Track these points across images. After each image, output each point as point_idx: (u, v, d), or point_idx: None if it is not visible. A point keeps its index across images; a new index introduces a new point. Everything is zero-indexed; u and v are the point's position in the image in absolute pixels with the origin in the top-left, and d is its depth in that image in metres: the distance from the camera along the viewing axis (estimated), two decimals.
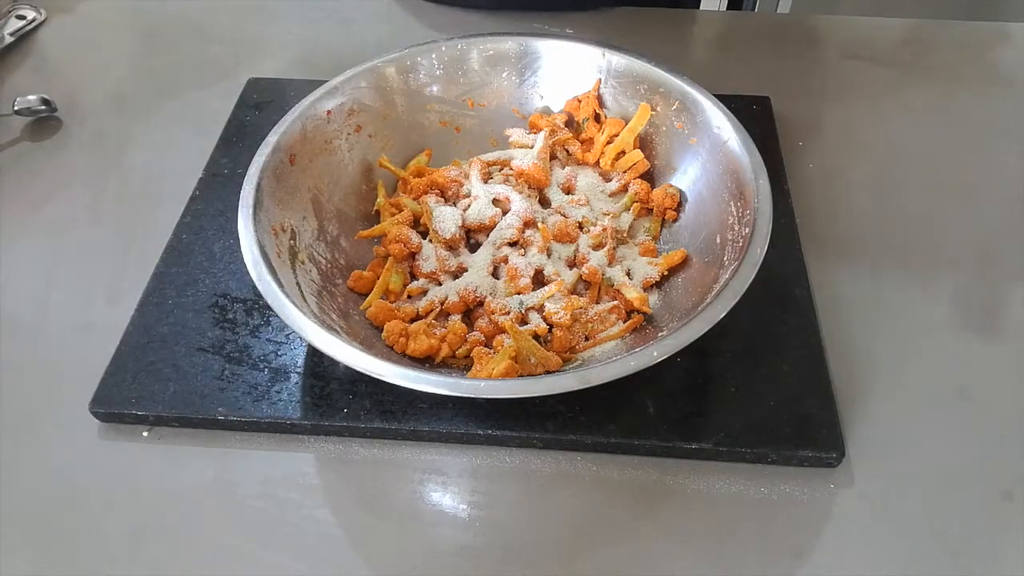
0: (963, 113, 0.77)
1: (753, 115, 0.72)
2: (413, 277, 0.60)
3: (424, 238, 0.60)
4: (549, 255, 0.59)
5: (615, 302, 0.56)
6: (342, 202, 0.62)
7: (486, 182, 0.63)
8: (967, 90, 0.79)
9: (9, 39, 0.85)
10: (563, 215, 0.61)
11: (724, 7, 1.05)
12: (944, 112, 0.77)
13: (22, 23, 0.87)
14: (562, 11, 0.85)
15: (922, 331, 0.59)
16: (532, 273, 0.57)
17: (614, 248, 0.60)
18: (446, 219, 0.60)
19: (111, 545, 0.49)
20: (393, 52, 0.65)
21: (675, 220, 0.62)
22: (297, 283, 0.53)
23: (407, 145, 0.67)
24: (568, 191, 0.64)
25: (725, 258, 0.54)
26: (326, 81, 0.63)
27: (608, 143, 0.65)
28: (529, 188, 0.63)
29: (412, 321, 0.56)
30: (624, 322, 0.56)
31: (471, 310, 0.57)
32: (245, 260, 0.51)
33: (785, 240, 0.62)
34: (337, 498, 0.51)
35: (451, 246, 0.60)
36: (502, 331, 0.54)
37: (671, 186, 0.63)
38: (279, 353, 0.56)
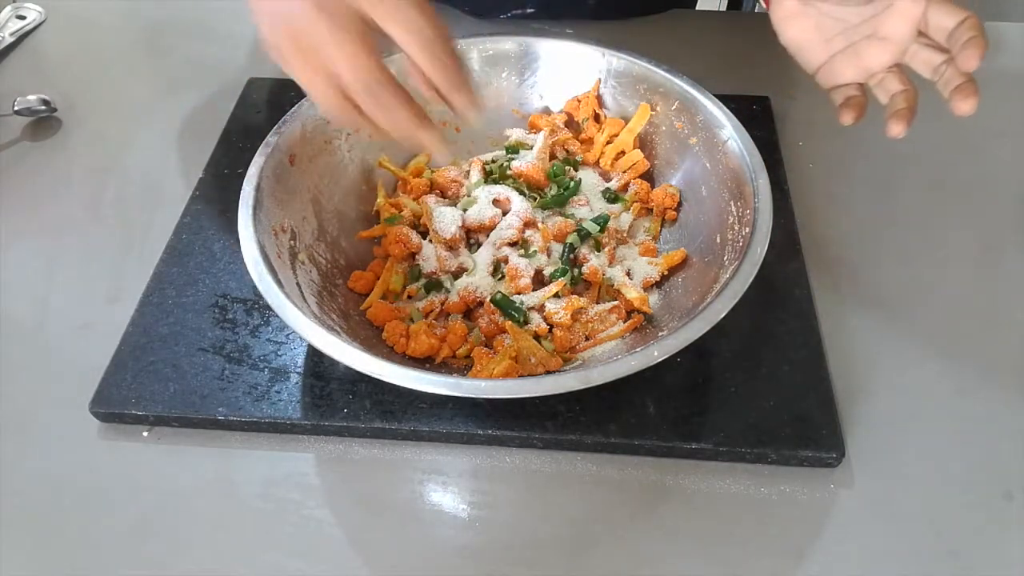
0: None
1: (753, 115, 0.72)
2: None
3: (424, 238, 0.60)
4: (549, 255, 0.59)
5: (615, 302, 0.56)
6: (342, 202, 0.62)
7: (486, 182, 0.63)
8: None
9: (9, 39, 0.85)
10: (563, 215, 0.61)
11: (724, 7, 1.05)
12: (944, 112, 0.77)
13: (22, 23, 0.87)
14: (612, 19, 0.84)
15: (922, 331, 0.59)
16: (532, 273, 0.57)
17: (614, 248, 0.60)
18: (446, 219, 0.60)
19: (111, 545, 0.49)
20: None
21: (675, 220, 0.62)
22: (297, 283, 0.53)
23: (407, 145, 0.66)
24: None
25: (725, 258, 0.54)
26: None
27: (608, 143, 0.65)
28: (529, 188, 0.63)
29: (412, 321, 0.56)
30: (624, 322, 0.56)
31: (471, 310, 0.57)
32: (245, 260, 0.51)
33: (785, 240, 0.62)
34: (337, 498, 0.52)
35: (451, 246, 0.60)
36: (502, 331, 0.54)
37: (671, 186, 0.63)
38: (279, 353, 0.56)
